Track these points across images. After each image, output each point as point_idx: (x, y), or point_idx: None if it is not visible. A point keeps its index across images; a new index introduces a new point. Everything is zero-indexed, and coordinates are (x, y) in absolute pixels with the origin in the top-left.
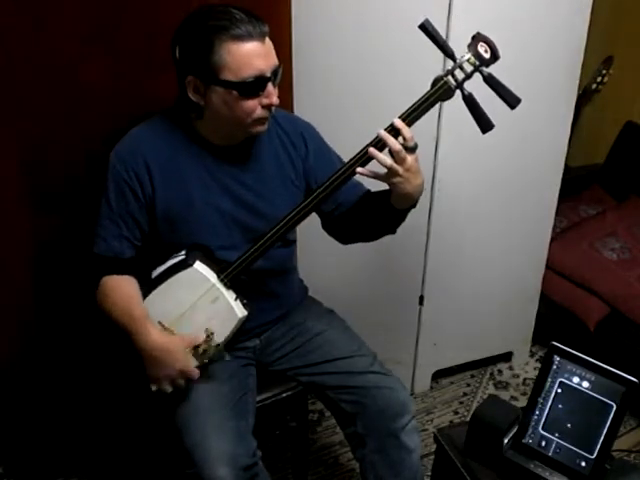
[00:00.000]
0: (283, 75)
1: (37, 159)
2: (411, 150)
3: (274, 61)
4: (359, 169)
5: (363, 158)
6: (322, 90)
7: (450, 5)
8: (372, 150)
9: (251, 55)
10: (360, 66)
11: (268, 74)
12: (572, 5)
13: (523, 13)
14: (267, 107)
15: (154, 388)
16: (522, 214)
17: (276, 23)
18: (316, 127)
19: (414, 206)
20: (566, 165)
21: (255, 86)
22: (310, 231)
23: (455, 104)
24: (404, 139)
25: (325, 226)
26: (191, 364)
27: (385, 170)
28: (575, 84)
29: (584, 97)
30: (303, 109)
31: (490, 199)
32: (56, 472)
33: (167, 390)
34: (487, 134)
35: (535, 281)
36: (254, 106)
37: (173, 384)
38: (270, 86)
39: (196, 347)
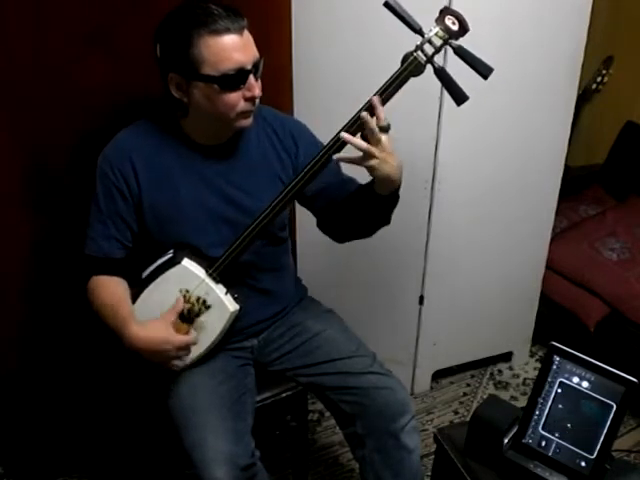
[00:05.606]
0: (283, 75)
1: (37, 159)
2: (384, 130)
3: (254, 53)
4: (336, 156)
5: (337, 144)
6: (322, 90)
7: (450, 5)
8: (346, 135)
9: (230, 48)
10: (360, 66)
11: (248, 66)
12: (572, 5)
13: (523, 13)
14: (250, 100)
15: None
16: (522, 214)
17: (276, 23)
18: (316, 127)
19: (397, 192)
20: (566, 165)
21: (236, 79)
22: (309, 231)
23: (455, 105)
24: (377, 119)
25: (319, 224)
26: (182, 336)
27: (361, 154)
28: (575, 84)
29: (584, 97)
30: (303, 109)
31: (490, 199)
32: (56, 472)
33: (179, 366)
34: (487, 134)
35: (535, 281)
36: (236, 99)
37: (180, 359)
38: (252, 78)
39: (181, 313)
